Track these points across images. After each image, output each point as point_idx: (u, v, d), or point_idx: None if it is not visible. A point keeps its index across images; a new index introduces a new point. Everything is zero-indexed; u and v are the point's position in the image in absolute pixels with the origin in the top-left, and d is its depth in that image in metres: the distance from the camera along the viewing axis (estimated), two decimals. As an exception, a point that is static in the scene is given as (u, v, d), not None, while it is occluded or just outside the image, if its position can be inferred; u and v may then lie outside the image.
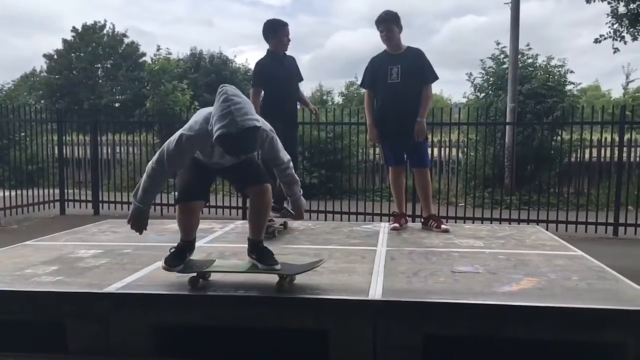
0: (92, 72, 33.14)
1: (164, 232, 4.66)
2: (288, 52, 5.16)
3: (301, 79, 5.28)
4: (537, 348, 2.71)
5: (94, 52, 32.97)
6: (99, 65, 33.78)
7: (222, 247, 3.96)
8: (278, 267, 2.86)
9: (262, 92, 4.99)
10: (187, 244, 3.01)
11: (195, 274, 2.92)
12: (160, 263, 2.96)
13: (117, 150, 11.48)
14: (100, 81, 33.41)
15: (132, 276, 3.11)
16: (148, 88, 15.39)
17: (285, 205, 4.88)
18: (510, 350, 2.73)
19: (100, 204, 9.52)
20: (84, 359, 2.75)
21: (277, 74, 4.94)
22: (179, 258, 2.94)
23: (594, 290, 2.85)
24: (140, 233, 2.89)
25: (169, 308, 2.77)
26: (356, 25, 36.07)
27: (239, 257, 3.58)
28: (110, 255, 3.65)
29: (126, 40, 34.04)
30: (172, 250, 2.96)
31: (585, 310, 2.57)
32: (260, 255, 2.94)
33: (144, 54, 32.85)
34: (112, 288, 2.88)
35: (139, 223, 2.88)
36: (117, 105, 31.04)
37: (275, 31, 5.00)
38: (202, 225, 5.03)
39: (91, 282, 2.99)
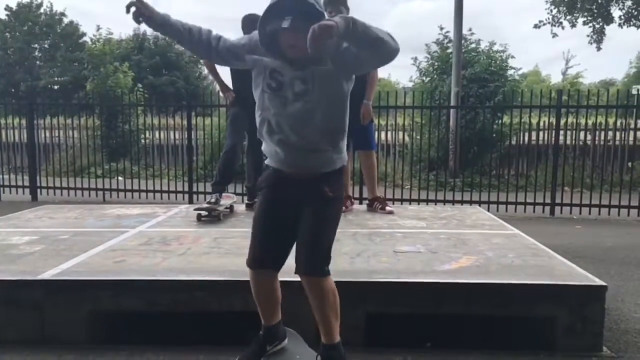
0: (28, 52, 31.69)
1: (104, 217, 4.53)
2: None
3: None
4: (475, 323, 2.79)
5: (30, 31, 31.53)
6: (36, 45, 32.33)
7: (165, 232, 3.87)
8: None
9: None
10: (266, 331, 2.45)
11: None
12: None
13: (56, 134, 11.01)
14: (37, 62, 31.98)
15: (68, 262, 3.01)
16: (88, 70, 14.77)
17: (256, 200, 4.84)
18: (451, 326, 2.81)
19: (39, 190, 9.14)
20: (19, 347, 2.64)
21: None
22: None
23: (528, 267, 2.96)
24: (127, 12, 2.15)
25: (107, 294, 2.70)
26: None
27: (180, 241, 3.52)
28: (46, 242, 3.52)
29: (65, 20, 32.71)
30: None
31: (519, 286, 2.67)
32: None
33: (84, 34, 31.67)
34: (47, 275, 2.78)
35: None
36: (56, 87, 29.80)
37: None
38: (145, 210, 4.97)
39: (24, 269, 2.87)
